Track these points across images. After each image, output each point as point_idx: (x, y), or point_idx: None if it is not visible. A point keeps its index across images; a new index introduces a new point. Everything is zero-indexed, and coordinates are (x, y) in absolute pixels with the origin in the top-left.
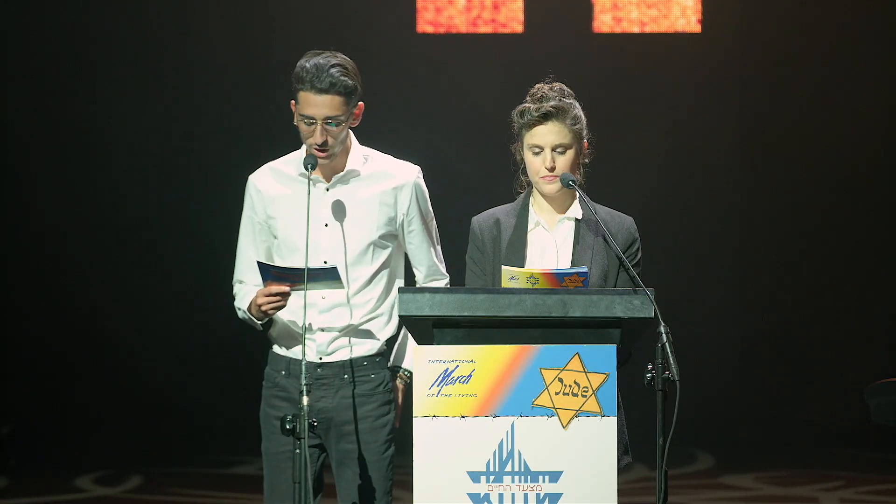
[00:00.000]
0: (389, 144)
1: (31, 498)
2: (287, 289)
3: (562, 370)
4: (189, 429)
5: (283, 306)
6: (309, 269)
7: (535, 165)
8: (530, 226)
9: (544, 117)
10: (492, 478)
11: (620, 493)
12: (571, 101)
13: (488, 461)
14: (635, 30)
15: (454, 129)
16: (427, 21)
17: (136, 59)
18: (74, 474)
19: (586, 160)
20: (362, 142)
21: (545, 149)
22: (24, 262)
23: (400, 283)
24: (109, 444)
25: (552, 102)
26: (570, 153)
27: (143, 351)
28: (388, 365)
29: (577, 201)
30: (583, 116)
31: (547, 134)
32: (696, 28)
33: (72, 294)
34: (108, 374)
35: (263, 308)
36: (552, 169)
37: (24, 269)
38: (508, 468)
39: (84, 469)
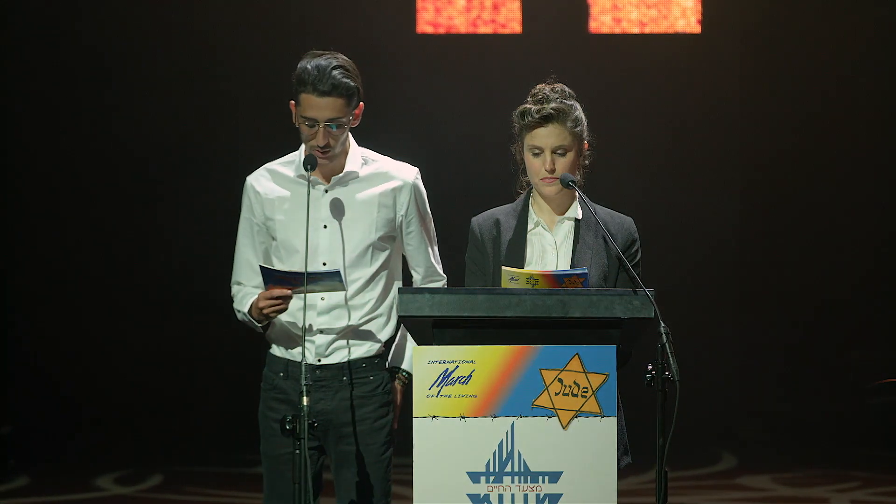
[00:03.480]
0: (389, 145)
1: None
2: (289, 292)
3: (562, 370)
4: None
5: (285, 309)
6: (311, 273)
7: (535, 167)
8: (530, 226)
9: (545, 119)
10: (492, 478)
11: (634, 492)
12: (572, 102)
13: (488, 461)
14: (635, 30)
15: (454, 129)
16: (427, 21)
17: (135, 58)
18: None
19: (586, 161)
20: (362, 142)
21: (545, 151)
22: (33, 262)
23: (398, 284)
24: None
25: (553, 104)
26: (570, 155)
27: (158, 350)
28: (386, 366)
29: (576, 202)
30: (583, 118)
31: (547, 136)
32: (696, 28)
33: (85, 293)
34: (125, 372)
35: (265, 311)
36: (552, 171)
37: (36, 269)
38: (508, 468)
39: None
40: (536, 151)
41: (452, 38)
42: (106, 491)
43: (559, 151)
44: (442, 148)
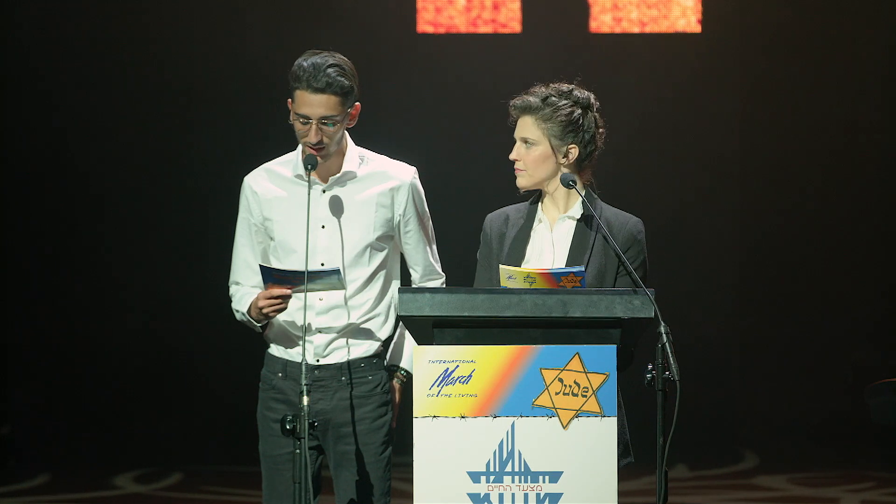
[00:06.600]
0: (389, 144)
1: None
2: (288, 291)
3: (562, 370)
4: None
5: (285, 308)
6: (311, 272)
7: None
8: (534, 224)
9: (519, 111)
10: (492, 478)
11: (635, 492)
12: (556, 99)
13: (488, 461)
14: (635, 30)
15: (454, 129)
16: (427, 21)
17: (131, 58)
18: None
19: (585, 161)
20: (361, 142)
21: (517, 141)
22: (32, 262)
23: (397, 284)
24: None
25: (524, 97)
26: (539, 149)
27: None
28: (385, 365)
29: (579, 201)
30: (568, 118)
31: (519, 128)
32: (696, 28)
33: (86, 292)
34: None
35: (265, 311)
36: (515, 161)
37: (37, 269)
38: (508, 468)
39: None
40: (515, 141)
41: (452, 38)
42: (122, 489)
43: (526, 143)
44: (441, 148)
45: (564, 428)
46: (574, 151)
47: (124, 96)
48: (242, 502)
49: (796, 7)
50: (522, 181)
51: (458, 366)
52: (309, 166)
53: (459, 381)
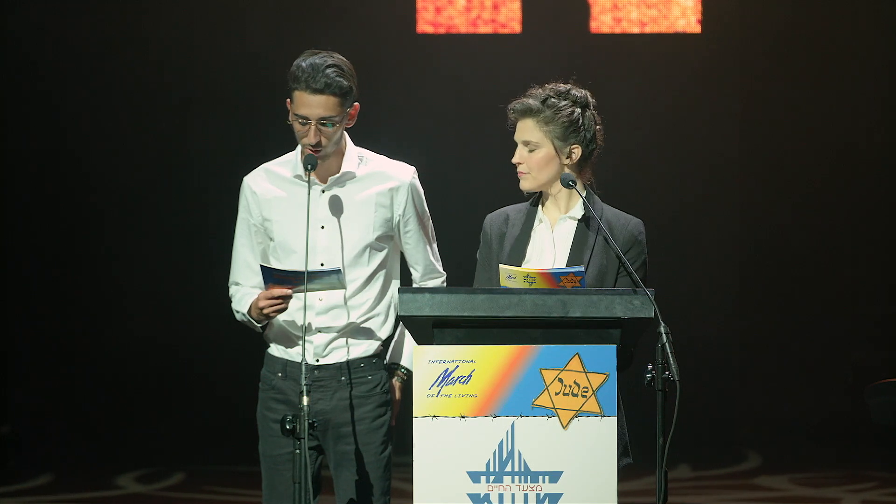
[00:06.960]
0: (389, 144)
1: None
2: (289, 291)
3: (562, 370)
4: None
5: (286, 309)
6: (310, 272)
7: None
8: (535, 224)
9: (519, 114)
10: (492, 478)
11: (635, 493)
12: (556, 100)
13: (488, 461)
14: (635, 30)
15: (454, 129)
16: (427, 21)
17: (131, 58)
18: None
19: (585, 161)
20: (361, 142)
21: (518, 144)
22: (32, 261)
23: (397, 283)
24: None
25: (524, 100)
26: (543, 151)
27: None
28: (385, 363)
29: (580, 201)
30: (569, 118)
31: (519, 131)
32: (696, 28)
33: (86, 292)
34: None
35: (266, 311)
36: (518, 164)
37: (37, 269)
38: (508, 468)
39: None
40: (517, 144)
41: (452, 38)
42: (124, 489)
43: (528, 147)
44: (441, 148)
45: (564, 428)
46: (577, 151)
47: (124, 96)
48: (242, 502)
49: (796, 7)
50: (526, 184)
51: (457, 366)
52: (308, 166)
53: (459, 381)
